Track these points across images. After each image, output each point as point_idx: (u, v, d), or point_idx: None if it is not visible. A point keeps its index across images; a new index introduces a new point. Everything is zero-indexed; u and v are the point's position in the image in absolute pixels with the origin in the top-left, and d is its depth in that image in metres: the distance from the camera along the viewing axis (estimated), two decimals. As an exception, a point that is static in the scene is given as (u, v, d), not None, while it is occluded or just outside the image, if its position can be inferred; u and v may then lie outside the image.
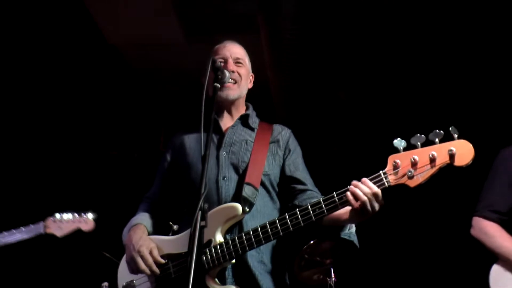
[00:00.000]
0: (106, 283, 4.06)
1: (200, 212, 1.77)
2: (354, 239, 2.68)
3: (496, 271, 2.93)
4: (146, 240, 2.53)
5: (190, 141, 2.78)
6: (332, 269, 4.06)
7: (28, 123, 5.96)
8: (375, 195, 2.20)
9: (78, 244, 5.61)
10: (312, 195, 2.63)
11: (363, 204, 2.21)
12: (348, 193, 2.23)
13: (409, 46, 4.72)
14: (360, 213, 2.25)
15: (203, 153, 2.01)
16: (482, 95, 5.12)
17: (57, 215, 3.57)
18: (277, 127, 2.82)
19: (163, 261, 2.47)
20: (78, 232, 3.67)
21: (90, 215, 3.68)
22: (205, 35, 5.03)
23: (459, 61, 4.89)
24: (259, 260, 2.50)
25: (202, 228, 1.77)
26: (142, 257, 2.45)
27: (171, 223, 2.91)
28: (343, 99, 5.46)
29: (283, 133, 2.79)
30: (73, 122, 6.21)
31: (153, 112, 6.46)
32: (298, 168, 2.72)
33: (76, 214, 3.67)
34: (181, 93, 6.07)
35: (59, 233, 3.55)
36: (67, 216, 3.59)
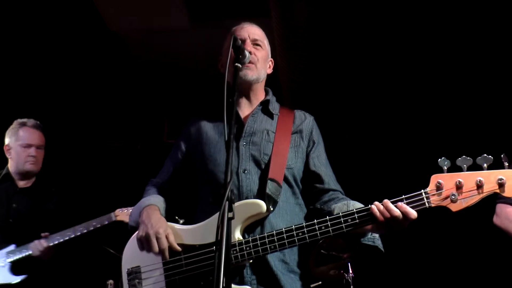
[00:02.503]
0: (111, 281, 3.98)
1: (227, 202, 1.64)
2: (378, 243, 2.60)
3: None
4: (165, 223, 2.45)
5: (208, 129, 2.67)
6: (349, 264, 3.98)
7: (29, 115, 5.87)
8: (410, 219, 2.16)
9: (80, 240, 5.56)
10: (334, 196, 2.55)
11: (393, 225, 2.18)
12: (378, 215, 2.18)
13: (444, 33, 4.59)
14: (388, 229, 2.22)
15: (226, 138, 1.88)
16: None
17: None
18: (299, 114, 2.70)
19: (179, 248, 2.39)
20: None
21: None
22: (211, 20, 4.94)
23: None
24: (280, 259, 2.40)
25: (229, 220, 1.66)
26: (158, 239, 2.36)
27: (177, 217, 2.84)
28: (355, 87, 5.37)
29: (306, 121, 2.67)
30: (74, 113, 6.12)
31: (157, 101, 6.37)
32: (322, 163, 2.62)
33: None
34: (186, 81, 6.01)
35: (127, 219, 3.85)
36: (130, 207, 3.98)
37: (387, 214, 2.16)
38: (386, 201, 2.19)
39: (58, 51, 5.37)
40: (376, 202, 2.20)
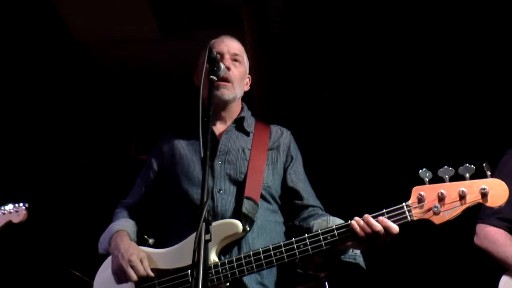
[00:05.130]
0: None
1: (204, 224, 1.59)
2: (360, 260, 2.57)
3: (506, 283, 2.83)
4: (136, 249, 2.38)
5: (180, 147, 2.62)
6: (326, 283, 3.95)
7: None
8: (392, 234, 2.13)
9: (43, 261, 5.44)
10: (313, 212, 2.53)
11: (374, 240, 2.15)
12: (359, 231, 2.14)
13: (418, 45, 4.63)
14: (368, 246, 2.19)
15: (202, 155, 1.83)
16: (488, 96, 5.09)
17: None
18: (275, 129, 2.68)
19: (152, 274, 2.32)
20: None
21: (22, 205, 3.51)
22: (182, 31, 4.88)
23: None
24: (258, 281, 2.36)
25: (206, 242, 1.61)
26: (133, 267, 2.29)
27: (146, 236, 2.80)
28: (331, 99, 5.39)
29: (283, 137, 2.65)
30: (38, 126, 6.00)
31: (125, 115, 6.31)
32: (300, 179, 2.60)
33: (6, 207, 3.49)
34: (155, 94, 5.97)
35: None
36: None
37: (368, 230, 2.12)
38: (366, 216, 2.16)
39: (21, 62, 5.26)
40: (356, 218, 2.17)
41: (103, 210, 2.90)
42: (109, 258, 2.42)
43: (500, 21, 4.28)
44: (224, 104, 2.60)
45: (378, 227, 2.11)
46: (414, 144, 5.47)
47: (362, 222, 2.14)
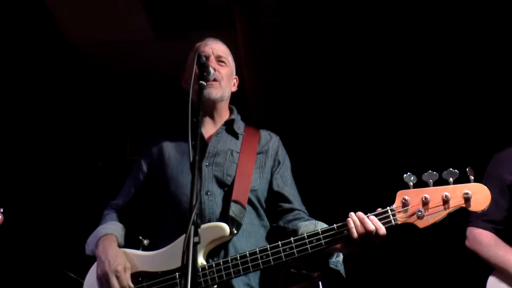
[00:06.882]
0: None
1: (192, 227, 1.64)
2: (341, 268, 2.62)
3: (492, 283, 2.92)
4: (123, 258, 2.41)
5: (169, 149, 2.67)
6: (320, 282, 4.00)
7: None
8: (380, 235, 2.17)
9: (38, 261, 5.48)
10: (299, 215, 2.57)
11: (364, 241, 2.18)
12: (353, 230, 2.18)
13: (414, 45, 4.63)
14: (356, 248, 2.22)
15: (191, 159, 1.88)
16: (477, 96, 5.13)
17: None
18: (264, 134, 2.73)
19: (132, 286, 2.37)
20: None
21: None
22: (176, 31, 4.92)
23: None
24: (246, 283, 2.41)
25: (195, 244, 1.66)
26: (118, 278, 2.33)
27: (141, 237, 2.83)
28: (325, 98, 5.43)
29: (271, 141, 2.70)
30: (31, 128, 6.03)
31: (119, 116, 6.32)
32: (286, 183, 2.64)
33: None
34: (149, 95, 5.98)
35: None
36: None
37: (362, 229, 2.16)
38: (359, 213, 2.20)
39: (15, 65, 5.28)
40: (352, 213, 2.21)
41: (98, 212, 2.88)
42: None
43: (492, 30, 4.32)
44: (212, 104, 2.64)
45: (371, 226, 2.15)
46: (401, 148, 5.51)
47: (358, 221, 2.18)
